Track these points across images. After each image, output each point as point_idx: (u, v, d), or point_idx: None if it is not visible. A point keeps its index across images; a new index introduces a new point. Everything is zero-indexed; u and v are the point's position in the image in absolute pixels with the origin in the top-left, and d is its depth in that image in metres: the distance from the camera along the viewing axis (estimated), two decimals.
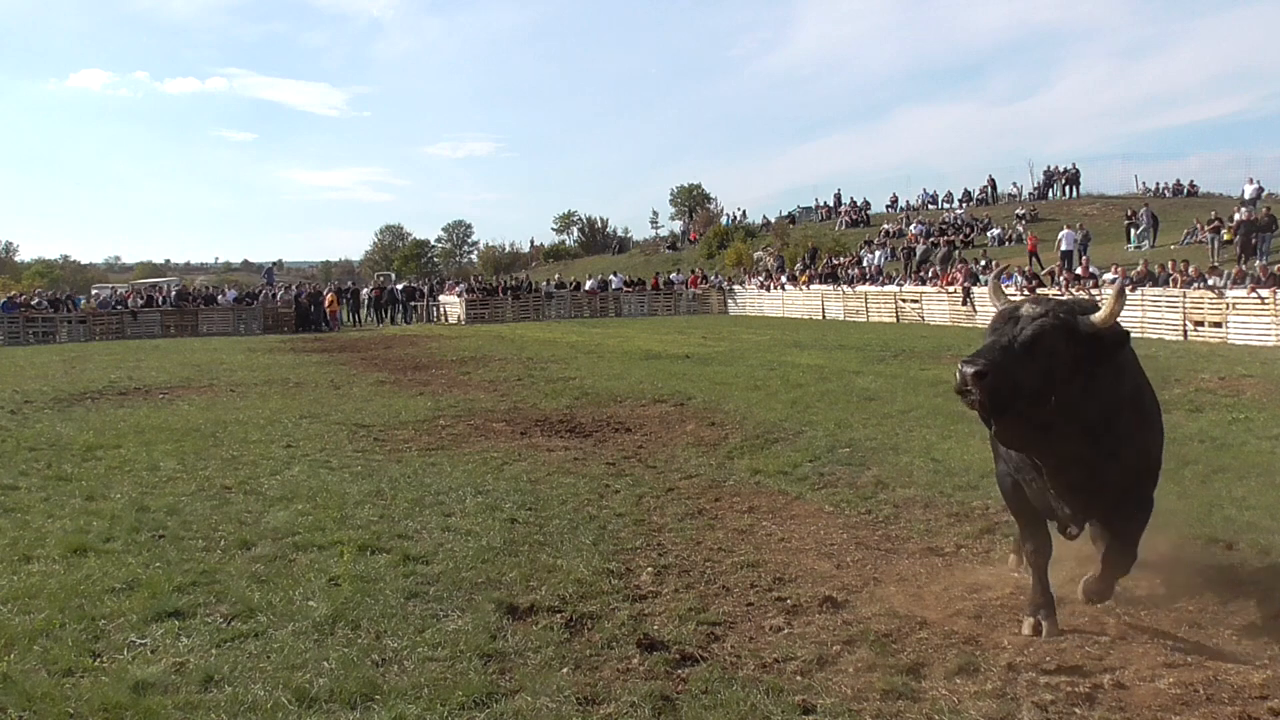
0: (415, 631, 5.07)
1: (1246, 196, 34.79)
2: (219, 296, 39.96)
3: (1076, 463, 4.69)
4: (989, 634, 5.02)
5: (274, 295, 39.73)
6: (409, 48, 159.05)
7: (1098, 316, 4.47)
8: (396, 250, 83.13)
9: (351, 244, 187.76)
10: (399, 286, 44.58)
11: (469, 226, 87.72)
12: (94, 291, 42.15)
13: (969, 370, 4.26)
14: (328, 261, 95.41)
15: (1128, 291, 5.07)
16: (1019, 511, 5.21)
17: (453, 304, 41.82)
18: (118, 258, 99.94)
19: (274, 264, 64.72)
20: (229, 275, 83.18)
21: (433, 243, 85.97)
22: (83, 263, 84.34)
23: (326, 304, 38.36)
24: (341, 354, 24.23)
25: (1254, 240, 28.38)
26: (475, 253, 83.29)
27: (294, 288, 42.11)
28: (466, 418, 12.60)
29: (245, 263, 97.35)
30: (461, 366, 19.78)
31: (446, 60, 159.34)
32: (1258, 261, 25.66)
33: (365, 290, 44.67)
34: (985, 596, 5.59)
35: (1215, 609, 5.31)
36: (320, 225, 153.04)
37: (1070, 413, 4.47)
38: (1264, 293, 21.89)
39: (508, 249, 77.19)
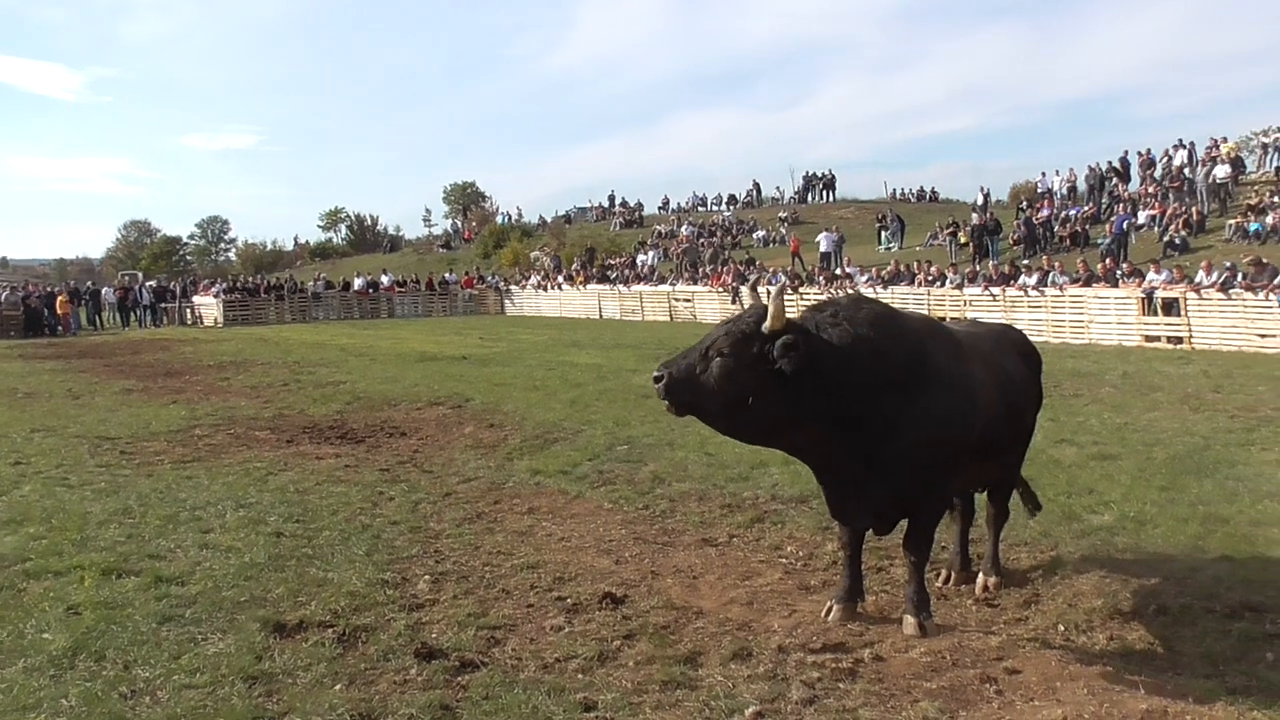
0: (170, 658, 4.72)
1: (978, 203, 38.13)
2: None
3: (838, 456, 4.85)
4: (761, 619, 5.24)
5: None
6: (160, 30, 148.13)
7: (765, 323, 4.56)
8: (144, 247, 77.36)
9: (91, 240, 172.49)
10: (147, 286, 41.35)
11: (226, 222, 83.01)
12: None
13: (654, 375, 4.71)
14: (62, 259, 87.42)
15: (788, 291, 5.15)
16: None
17: (209, 305, 39.27)
18: None
19: None
20: None
21: (185, 240, 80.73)
22: None
23: (58, 306, 34.96)
24: (81, 360, 22.25)
25: (985, 242, 31.12)
26: (234, 250, 78.92)
27: (22, 288, 38.21)
28: (226, 426, 11.88)
29: None
30: (220, 372, 18.65)
31: (203, 45, 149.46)
32: (990, 262, 28.15)
33: (107, 290, 41.11)
34: (757, 583, 5.83)
35: (958, 580, 5.81)
36: (54, 219, 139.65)
37: (785, 410, 4.60)
38: (995, 290, 24.06)
39: (270, 247, 73.64)
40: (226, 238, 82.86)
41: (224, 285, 42.43)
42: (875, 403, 4.72)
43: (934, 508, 5.20)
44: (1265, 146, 31.78)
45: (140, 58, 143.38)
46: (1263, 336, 18.54)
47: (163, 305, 39.30)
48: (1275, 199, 26.34)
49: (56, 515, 7.47)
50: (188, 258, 78.54)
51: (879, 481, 4.84)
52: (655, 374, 4.68)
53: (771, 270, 32.78)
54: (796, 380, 4.50)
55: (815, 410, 4.64)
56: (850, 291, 26.29)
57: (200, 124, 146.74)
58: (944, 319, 22.64)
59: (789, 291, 26.20)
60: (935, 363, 4.91)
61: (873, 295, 25.96)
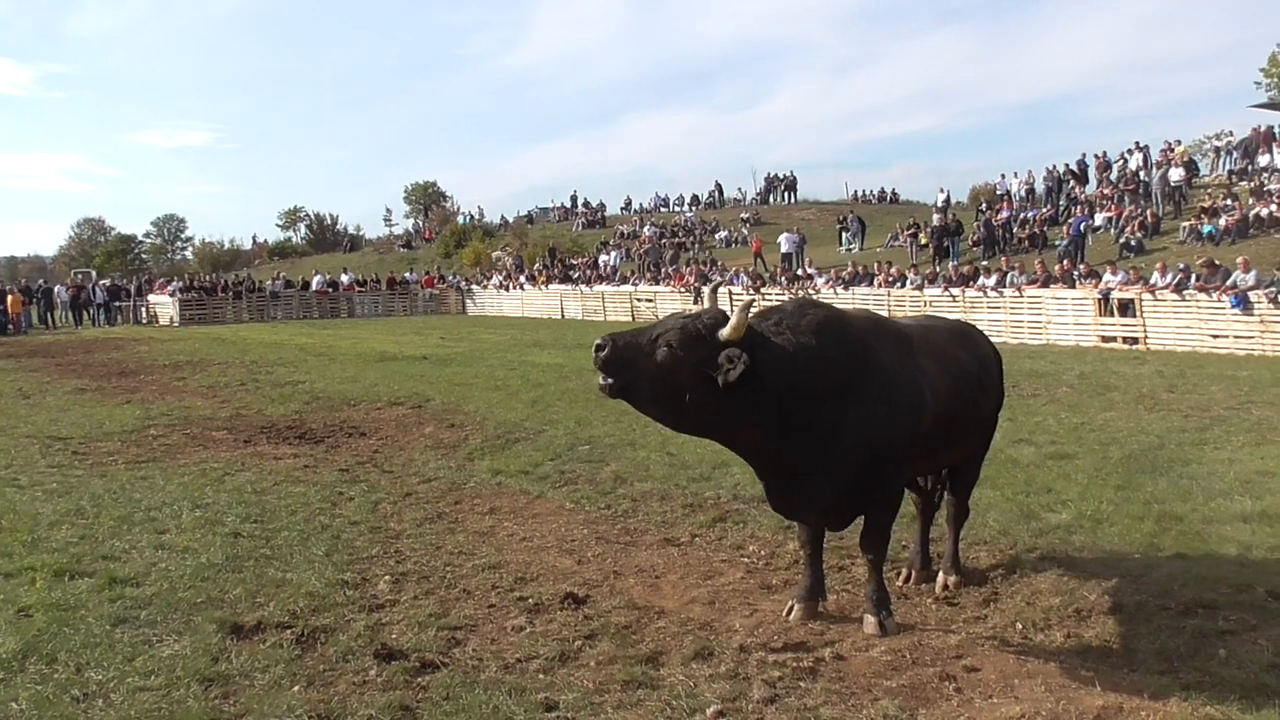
0: (124, 660, 4.64)
1: (939, 204, 38.50)
2: None
3: (778, 455, 4.84)
4: (722, 618, 5.24)
5: None
6: (110, 25, 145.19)
7: (724, 331, 4.54)
8: (98, 245, 76.01)
9: (43, 238, 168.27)
10: (100, 285, 40.56)
11: (182, 221, 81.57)
12: None
13: (596, 343, 4.59)
14: (13, 257, 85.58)
15: (754, 307, 5.05)
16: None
17: (164, 304, 38.64)
18: None
19: None
20: None
21: (140, 238, 79.40)
22: None
23: (9, 304, 34.17)
24: (32, 359, 21.82)
25: (945, 244, 31.44)
26: (190, 249, 77.79)
27: None
28: (182, 426, 11.70)
29: None
30: (176, 371, 18.37)
31: (155, 41, 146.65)
32: (950, 263, 28.45)
33: (60, 289, 40.27)
34: (719, 583, 5.84)
35: (919, 579, 5.85)
36: (4, 216, 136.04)
37: (722, 410, 4.59)
38: (955, 291, 24.32)
39: (227, 245, 72.63)
40: (183, 236, 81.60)
41: (180, 284, 41.78)
42: (818, 406, 4.73)
43: (886, 505, 5.19)
44: (1218, 150, 32.47)
45: (91, 53, 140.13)
46: (1215, 337, 18.89)
47: (117, 304, 38.60)
48: (1228, 202, 26.87)
49: (6, 516, 7.31)
50: (143, 256, 77.25)
51: (824, 481, 4.85)
52: (598, 342, 4.57)
53: (733, 270, 32.90)
54: (737, 389, 4.50)
55: (755, 415, 4.65)
56: (812, 293, 26.48)
57: (155, 120, 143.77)
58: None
59: (751, 292, 26.29)
60: (880, 362, 4.93)
61: (833, 296, 26.04)
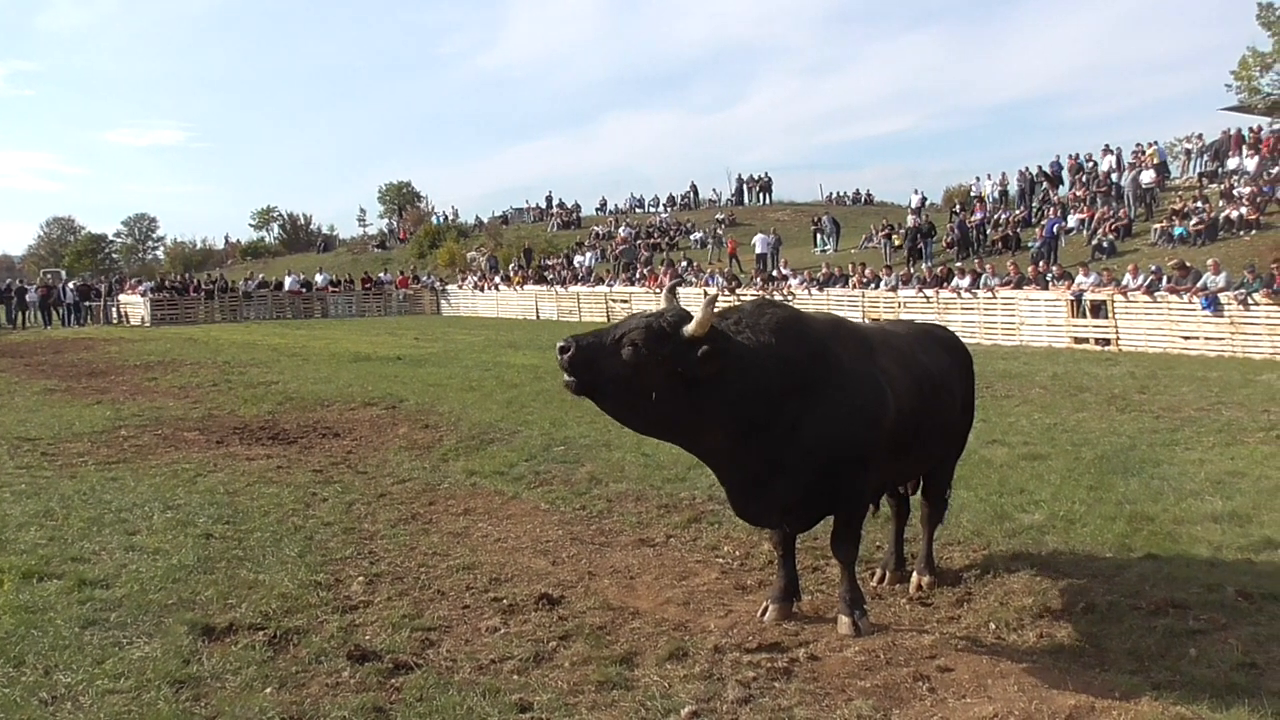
0: (93, 663, 4.59)
1: (913, 205, 38.71)
2: None
3: (739, 456, 4.84)
4: (697, 619, 5.24)
5: None
6: (81, 22, 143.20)
7: (689, 327, 4.54)
8: (68, 245, 75.14)
9: (12, 237, 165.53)
10: (71, 285, 40.05)
11: (153, 220, 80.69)
12: None
13: (559, 345, 4.56)
14: None
15: (719, 303, 5.03)
16: None
17: (135, 304, 38.20)
18: None
19: None
20: None
21: (111, 237, 78.50)
22: None
23: None
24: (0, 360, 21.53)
25: (919, 245, 31.63)
26: (161, 249, 77.09)
27: None
28: (153, 427, 11.58)
29: None
30: (147, 372, 18.17)
31: (126, 39, 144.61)
32: (924, 264, 28.62)
33: (31, 289, 39.72)
34: (693, 583, 5.84)
35: (893, 580, 5.88)
36: None
37: (686, 409, 4.59)
38: (929, 292, 24.46)
39: (199, 245, 72.04)
40: (154, 236, 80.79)
41: (151, 284, 41.32)
42: (778, 406, 4.73)
43: (852, 506, 5.18)
44: (1188, 152, 32.82)
45: (62, 50, 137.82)
46: (1186, 338, 19.11)
47: (87, 304, 38.08)
48: (1198, 204, 27.18)
49: None
50: (114, 256, 76.41)
51: (785, 482, 4.85)
52: (561, 344, 4.53)
53: (709, 271, 32.94)
54: (701, 386, 4.50)
55: (717, 414, 4.65)
56: (788, 294, 26.57)
57: (126, 119, 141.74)
58: (877, 320, 22.86)
59: (726, 293, 26.33)
60: (839, 363, 4.94)
61: (808, 297, 26.09)
